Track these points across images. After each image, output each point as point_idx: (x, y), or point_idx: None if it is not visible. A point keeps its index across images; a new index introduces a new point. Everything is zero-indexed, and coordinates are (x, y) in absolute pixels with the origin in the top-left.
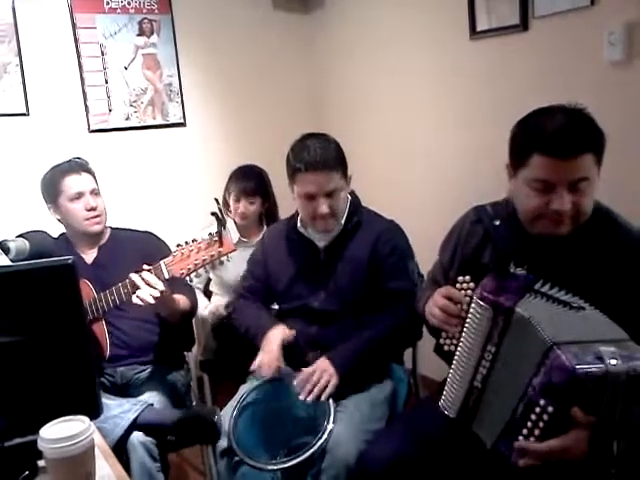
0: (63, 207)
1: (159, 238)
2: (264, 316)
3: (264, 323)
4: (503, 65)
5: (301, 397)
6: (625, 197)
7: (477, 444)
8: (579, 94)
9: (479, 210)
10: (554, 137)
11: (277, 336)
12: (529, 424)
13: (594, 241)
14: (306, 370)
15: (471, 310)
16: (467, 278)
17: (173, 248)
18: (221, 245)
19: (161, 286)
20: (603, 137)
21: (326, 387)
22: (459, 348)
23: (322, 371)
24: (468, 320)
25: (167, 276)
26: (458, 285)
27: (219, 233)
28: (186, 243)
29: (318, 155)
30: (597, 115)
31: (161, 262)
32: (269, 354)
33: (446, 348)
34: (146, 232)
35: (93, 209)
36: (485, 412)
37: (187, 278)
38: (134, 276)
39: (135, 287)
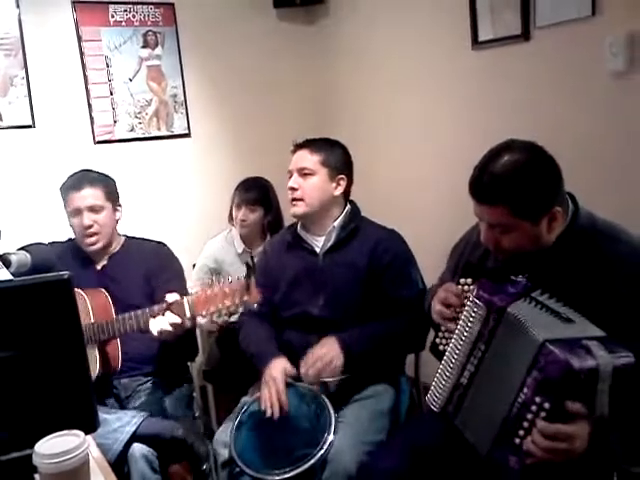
0: (69, 220)
1: (170, 251)
2: (268, 342)
3: (266, 351)
4: (505, 75)
5: (302, 370)
6: (629, 206)
7: (476, 457)
8: (581, 104)
9: None
10: None
11: (279, 370)
12: (525, 424)
13: (583, 255)
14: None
15: (466, 308)
16: (469, 280)
17: (184, 262)
18: (249, 294)
19: (185, 323)
20: None
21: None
22: (451, 344)
23: (328, 347)
24: (462, 317)
25: (189, 314)
26: (460, 287)
27: (248, 282)
28: (218, 281)
29: (307, 139)
30: (598, 125)
31: (185, 299)
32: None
33: (441, 348)
34: (159, 243)
35: (89, 227)
36: (472, 412)
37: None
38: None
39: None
